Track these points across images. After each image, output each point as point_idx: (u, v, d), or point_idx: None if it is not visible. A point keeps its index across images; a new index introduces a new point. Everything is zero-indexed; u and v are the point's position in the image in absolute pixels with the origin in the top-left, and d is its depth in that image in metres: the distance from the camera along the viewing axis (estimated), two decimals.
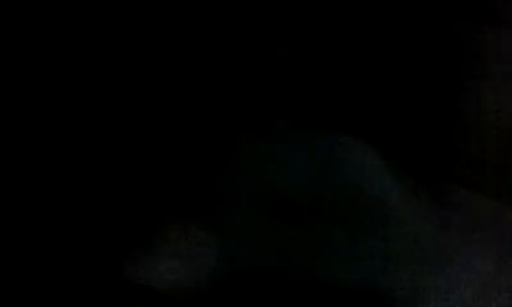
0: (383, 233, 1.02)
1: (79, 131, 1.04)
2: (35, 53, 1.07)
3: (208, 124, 1.07)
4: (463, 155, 1.08)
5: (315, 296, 1.00)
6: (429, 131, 1.10)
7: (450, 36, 1.12)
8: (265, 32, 1.11)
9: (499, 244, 1.05)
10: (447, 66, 1.11)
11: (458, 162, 1.08)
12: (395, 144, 1.07)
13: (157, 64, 1.09)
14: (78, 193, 1.02)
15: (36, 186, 1.01)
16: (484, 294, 1.04)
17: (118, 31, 1.08)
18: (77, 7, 1.08)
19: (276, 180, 1.03)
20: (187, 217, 1.01)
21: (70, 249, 0.98)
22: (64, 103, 1.05)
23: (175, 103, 1.08)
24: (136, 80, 1.08)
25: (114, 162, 1.04)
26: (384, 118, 1.10)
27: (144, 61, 1.08)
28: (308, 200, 1.02)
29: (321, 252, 1.01)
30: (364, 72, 1.11)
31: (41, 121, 1.04)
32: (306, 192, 1.02)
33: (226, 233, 1.02)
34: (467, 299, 1.04)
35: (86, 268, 0.97)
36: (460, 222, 1.06)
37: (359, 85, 1.11)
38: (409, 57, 1.12)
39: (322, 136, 1.05)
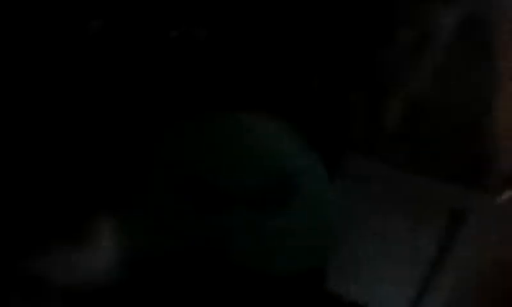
0: (298, 212, 1.03)
1: None
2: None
3: (124, 110, 1.08)
4: (371, 126, 1.09)
5: (230, 280, 1.01)
6: (335, 103, 1.10)
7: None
8: (180, 11, 1.11)
9: (407, 212, 1.06)
10: (367, 35, 1.11)
11: (364, 132, 1.09)
12: (305, 120, 1.07)
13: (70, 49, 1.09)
14: None
15: None
16: (398, 263, 1.05)
17: None
18: None
19: (191, 165, 1.03)
20: (94, 207, 1.02)
21: None
22: None
23: (91, 89, 1.08)
24: (51, 67, 1.08)
25: (23, 151, 1.05)
26: (294, 94, 1.10)
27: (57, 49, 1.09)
28: (224, 183, 1.02)
29: (238, 235, 1.02)
30: (283, 51, 1.11)
31: None
32: (222, 175, 1.03)
33: (136, 220, 1.03)
34: (385, 269, 1.05)
35: None
36: (371, 193, 1.07)
37: (274, 64, 1.11)
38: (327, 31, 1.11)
39: (236, 117, 1.05)
